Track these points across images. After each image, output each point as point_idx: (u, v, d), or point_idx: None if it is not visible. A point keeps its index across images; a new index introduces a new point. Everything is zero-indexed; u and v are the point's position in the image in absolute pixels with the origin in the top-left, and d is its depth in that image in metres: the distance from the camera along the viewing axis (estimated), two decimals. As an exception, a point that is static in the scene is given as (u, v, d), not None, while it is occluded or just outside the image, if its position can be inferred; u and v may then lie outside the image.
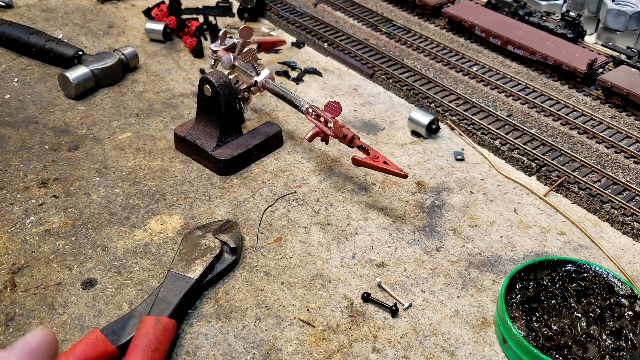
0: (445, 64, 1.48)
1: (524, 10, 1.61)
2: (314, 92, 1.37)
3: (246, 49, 1.16)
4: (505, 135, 1.20)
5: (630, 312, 0.80)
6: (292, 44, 1.57)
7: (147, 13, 1.65)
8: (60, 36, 1.53)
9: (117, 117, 1.25)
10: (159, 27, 1.52)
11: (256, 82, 1.14)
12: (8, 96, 1.29)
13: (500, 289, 0.83)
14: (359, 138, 1.01)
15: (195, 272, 0.85)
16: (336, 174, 1.12)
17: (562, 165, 1.13)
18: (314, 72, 1.44)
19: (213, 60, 1.23)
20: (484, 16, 1.58)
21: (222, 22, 1.67)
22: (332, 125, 1.02)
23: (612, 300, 0.81)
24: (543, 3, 1.70)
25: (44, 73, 1.38)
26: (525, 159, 1.15)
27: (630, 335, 0.77)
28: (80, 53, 1.36)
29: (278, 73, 1.42)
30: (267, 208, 1.03)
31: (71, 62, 1.36)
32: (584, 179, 1.09)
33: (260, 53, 1.32)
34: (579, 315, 0.80)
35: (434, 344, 0.81)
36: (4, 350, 0.46)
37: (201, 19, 1.64)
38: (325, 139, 1.05)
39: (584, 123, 1.25)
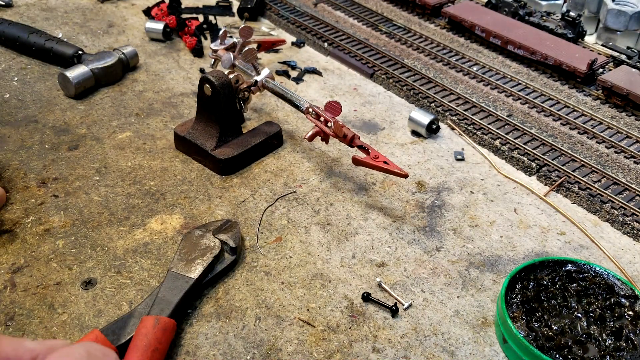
0: (445, 63, 1.48)
1: (524, 10, 1.61)
2: (314, 92, 1.37)
3: (246, 48, 1.16)
4: (505, 135, 1.20)
5: (630, 312, 0.80)
6: (292, 43, 1.57)
7: (147, 12, 1.64)
8: (60, 35, 1.53)
9: (117, 117, 1.24)
10: (159, 26, 1.52)
11: (256, 81, 1.13)
12: (8, 95, 1.29)
13: (501, 289, 0.83)
14: (359, 138, 1.01)
15: (195, 271, 0.85)
16: (336, 173, 1.12)
17: (562, 165, 1.13)
18: (314, 71, 1.44)
19: (213, 60, 1.23)
20: (484, 16, 1.58)
21: (222, 21, 1.67)
22: (332, 124, 1.02)
23: (612, 300, 0.81)
24: (543, 3, 1.70)
25: (43, 72, 1.38)
26: (525, 159, 1.15)
27: (631, 335, 0.77)
28: (80, 52, 1.36)
29: (278, 72, 1.42)
30: (267, 208, 1.03)
31: (71, 62, 1.35)
32: (584, 179, 1.09)
33: (260, 52, 1.32)
34: (579, 315, 0.80)
35: (434, 344, 0.81)
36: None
37: (201, 18, 1.64)
38: (325, 138, 1.05)
39: (584, 123, 1.25)
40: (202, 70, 1.43)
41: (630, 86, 1.28)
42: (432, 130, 1.22)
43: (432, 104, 1.31)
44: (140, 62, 1.44)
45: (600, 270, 0.86)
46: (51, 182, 1.06)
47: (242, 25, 1.18)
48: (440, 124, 1.26)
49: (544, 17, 1.60)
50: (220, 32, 1.18)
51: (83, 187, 1.05)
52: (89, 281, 0.87)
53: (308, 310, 0.85)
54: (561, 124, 1.26)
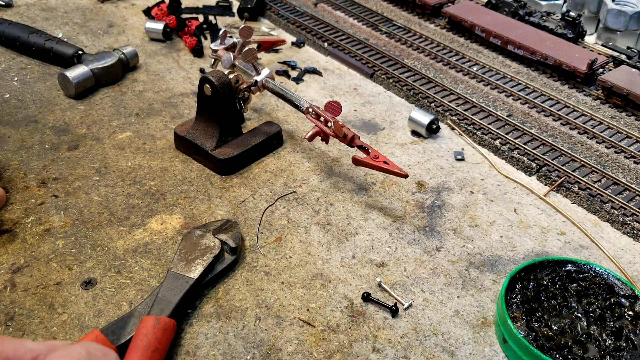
0: (445, 63, 1.48)
1: (524, 10, 1.61)
2: (314, 92, 1.37)
3: (246, 48, 1.16)
4: (505, 135, 1.20)
5: (630, 312, 0.80)
6: (292, 43, 1.57)
7: (147, 12, 1.64)
8: (60, 35, 1.53)
9: (117, 117, 1.24)
10: (159, 26, 1.52)
11: (256, 81, 1.13)
12: (8, 95, 1.29)
13: (501, 289, 0.83)
14: (359, 138, 1.01)
15: (195, 271, 0.85)
16: (336, 173, 1.12)
17: (562, 165, 1.13)
18: (314, 71, 1.44)
19: (213, 60, 1.23)
20: (484, 16, 1.58)
21: (222, 21, 1.67)
22: (332, 124, 1.02)
23: (612, 300, 0.81)
24: (543, 3, 1.70)
25: (43, 72, 1.38)
26: (525, 159, 1.15)
27: (631, 335, 0.77)
28: (80, 52, 1.36)
29: (278, 72, 1.42)
30: (267, 208, 1.03)
31: (71, 61, 1.35)
32: (584, 179, 1.09)
33: (260, 52, 1.32)
34: (579, 315, 0.80)
35: (434, 344, 0.81)
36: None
37: (201, 18, 1.64)
38: (325, 138, 1.05)
39: (584, 123, 1.25)
40: (202, 70, 1.43)
41: (630, 86, 1.28)
42: (432, 130, 1.22)
43: (432, 104, 1.31)
44: (140, 62, 1.44)
45: (600, 270, 0.86)
46: (51, 182, 1.06)
47: (242, 25, 1.18)
48: (440, 124, 1.26)
49: (544, 17, 1.60)
50: (220, 32, 1.18)
51: (83, 187, 1.05)
52: (89, 281, 0.87)
53: (308, 310, 0.85)
54: (561, 124, 1.26)
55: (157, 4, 1.63)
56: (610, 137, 1.21)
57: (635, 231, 1.00)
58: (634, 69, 1.36)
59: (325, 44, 1.54)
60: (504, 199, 1.08)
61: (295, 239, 0.97)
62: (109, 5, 1.71)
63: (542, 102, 1.32)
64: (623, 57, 1.45)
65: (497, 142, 1.20)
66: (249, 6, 1.67)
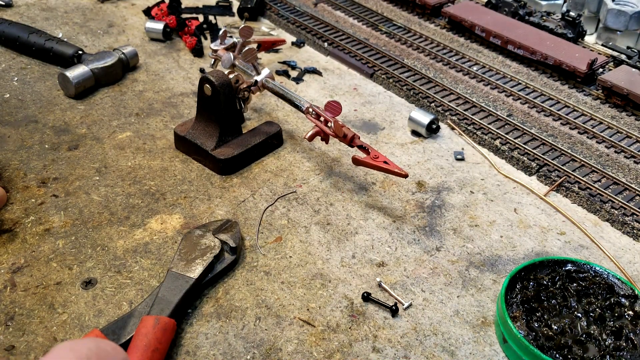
0: (445, 63, 1.48)
1: (524, 10, 1.61)
2: (314, 92, 1.37)
3: (246, 48, 1.16)
4: (505, 135, 1.20)
5: (630, 312, 0.80)
6: (292, 43, 1.57)
7: (147, 12, 1.64)
8: (60, 35, 1.53)
9: (117, 117, 1.24)
10: (159, 26, 1.52)
11: (256, 81, 1.13)
12: (8, 95, 1.29)
13: (501, 289, 0.83)
14: (359, 138, 1.01)
15: (195, 271, 0.85)
16: (336, 173, 1.12)
17: (562, 165, 1.13)
18: (314, 71, 1.44)
19: (213, 60, 1.23)
20: (484, 16, 1.58)
21: (222, 21, 1.67)
22: (332, 124, 1.02)
23: (612, 300, 0.81)
24: (543, 3, 1.70)
25: (43, 72, 1.38)
26: (525, 158, 1.15)
27: (631, 335, 0.77)
28: (80, 52, 1.36)
29: (278, 72, 1.42)
30: (267, 207, 1.03)
31: (71, 61, 1.35)
32: (584, 179, 1.09)
33: (260, 52, 1.32)
34: (579, 315, 0.80)
35: (434, 344, 0.81)
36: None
37: (201, 18, 1.64)
38: (325, 138, 1.05)
39: (584, 123, 1.25)
40: (202, 70, 1.43)
41: (630, 86, 1.28)
42: (432, 130, 1.22)
43: (432, 104, 1.31)
44: (140, 62, 1.44)
45: (600, 270, 0.86)
46: (51, 182, 1.06)
47: (242, 25, 1.18)
48: (440, 123, 1.26)
49: (544, 17, 1.60)
50: (220, 32, 1.18)
51: (83, 187, 1.05)
52: (89, 281, 0.87)
53: (308, 310, 0.85)
54: (561, 123, 1.26)
55: (157, 4, 1.63)
56: (610, 137, 1.21)
57: (635, 231, 1.00)
58: (634, 69, 1.36)
59: (325, 44, 1.54)
60: (504, 198, 1.08)
61: (295, 238, 0.97)
62: (109, 5, 1.71)
63: (542, 102, 1.32)
64: (623, 57, 1.45)
65: (497, 142, 1.20)
66: (249, 6, 1.67)
